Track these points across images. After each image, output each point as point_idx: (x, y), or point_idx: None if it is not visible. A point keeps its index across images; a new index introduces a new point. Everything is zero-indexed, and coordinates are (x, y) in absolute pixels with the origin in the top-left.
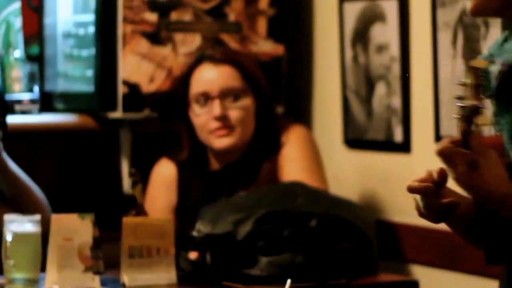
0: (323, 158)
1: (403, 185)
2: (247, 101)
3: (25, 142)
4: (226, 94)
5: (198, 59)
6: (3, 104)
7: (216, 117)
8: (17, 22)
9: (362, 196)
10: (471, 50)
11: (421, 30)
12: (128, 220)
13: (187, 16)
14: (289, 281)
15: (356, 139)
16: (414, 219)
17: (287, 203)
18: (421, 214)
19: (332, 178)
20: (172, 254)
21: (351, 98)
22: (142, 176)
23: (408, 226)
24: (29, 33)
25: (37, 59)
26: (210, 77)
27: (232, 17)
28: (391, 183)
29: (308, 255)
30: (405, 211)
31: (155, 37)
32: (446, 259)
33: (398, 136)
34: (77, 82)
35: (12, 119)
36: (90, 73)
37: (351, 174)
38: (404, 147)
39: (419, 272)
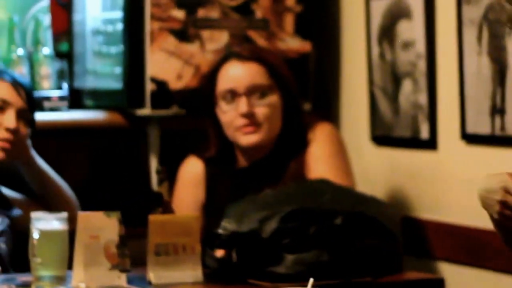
0: (351, 155)
1: (429, 182)
2: (273, 98)
3: (54, 139)
4: (253, 91)
5: (225, 56)
6: (31, 102)
7: (242, 114)
8: (46, 19)
9: (389, 193)
10: (496, 47)
11: (446, 27)
12: (154, 218)
13: (214, 13)
14: (311, 280)
15: (383, 136)
16: (440, 216)
17: (313, 200)
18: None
19: (359, 175)
20: (198, 251)
21: (378, 95)
22: (169, 174)
23: (435, 223)
24: (58, 30)
25: (66, 56)
26: (237, 74)
27: (259, 14)
28: (418, 180)
29: (334, 253)
30: (431, 208)
31: (183, 34)
32: (473, 256)
33: (424, 133)
34: (106, 79)
35: (41, 116)
36: (118, 70)
37: (379, 171)
38: (431, 144)
39: (446, 269)
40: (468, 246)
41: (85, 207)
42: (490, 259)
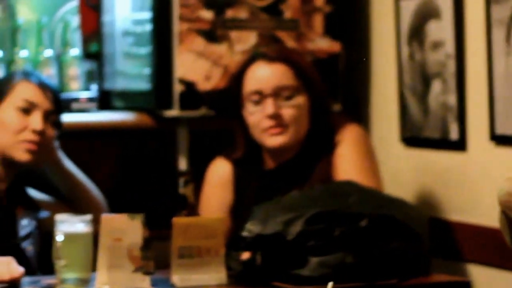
0: (380, 156)
1: (458, 183)
2: (300, 100)
3: (83, 141)
4: (280, 93)
5: (252, 57)
6: (58, 103)
7: (269, 116)
8: (74, 21)
9: (417, 194)
10: None
11: (475, 27)
12: (178, 220)
13: (243, 14)
14: (330, 283)
15: (412, 137)
16: (469, 217)
17: (338, 202)
18: None
19: (389, 176)
20: (222, 254)
21: (407, 95)
22: (196, 175)
23: (464, 224)
24: (88, 31)
25: (96, 57)
26: (264, 75)
27: (288, 14)
28: (447, 181)
29: (359, 255)
30: (460, 209)
31: (211, 35)
32: (501, 258)
33: (453, 134)
34: (135, 80)
35: (69, 118)
36: (147, 71)
37: (408, 172)
38: (460, 145)
39: (475, 272)
40: (497, 248)
41: (113, 209)
42: None
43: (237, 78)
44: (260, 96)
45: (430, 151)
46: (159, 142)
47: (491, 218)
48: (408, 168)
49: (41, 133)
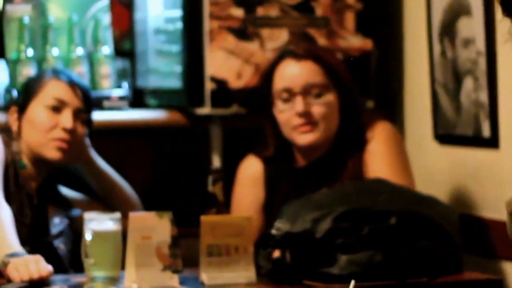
0: (414, 153)
1: (491, 180)
2: (330, 97)
3: (115, 139)
4: (309, 90)
5: (281, 55)
6: (88, 101)
7: (299, 114)
8: (105, 19)
9: (450, 191)
10: None
11: (506, 23)
12: (207, 219)
13: (273, 11)
14: (353, 282)
15: (446, 134)
16: (503, 214)
17: (368, 200)
18: None
19: (422, 173)
20: (251, 252)
21: (440, 92)
22: (229, 173)
23: (497, 222)
24: (120, 29)
25: (128, 55)
26: (293, 73)
27: (319, 11)
28: (480, 178)
29: (388, 253)
30: (493, 206)
31: (242, 32)
32: None
33: (486, 131)
34: (167, 78)
35: (101, 116)
36: (178, 69)
37: (441, 170)
38: (492, 142)
39: (508, 269)
40: None
41: (147, 207)
42: None
43: (266, 76)
44: (290, 94)
45: (463, 148)
46: (191, 140)
47: None
48: (441, 165)
49: (71, 131)
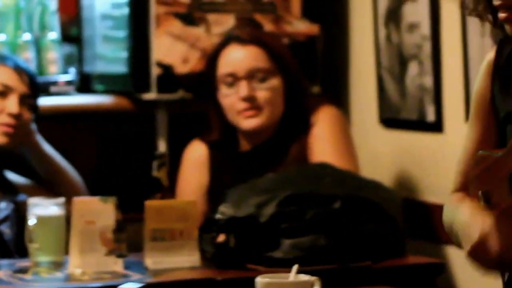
0: (359, 138)
1: (435, 165)
2: (275, 82)
3: (61, 124)
4: (253, 75)
5: (225, 40)
6: (35, 87)
7: (243, 98)
8: (52, 4)
9: (395, 175)
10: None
11: (451, 8)
12: (151, 203)
13: None
14: (296, 266)
15: (390, 119)
16: (446, 199)
17: (312, 184)
18: None
19: (367, 157)
20: (195, 237)
21: (385, 77)
22: (174, 158)
23: (440, 206)
24: (66, 14)
25: (75, 40)
26: (237, 57)
27: None
28: (424, 162)
29: (331, 237)
30: (437, 190)
31: (188, 17)
32: None
33: (430, 115)
34: (114, 64)
35: (47, 101)
36: (125, 54)
37: (386, 154)
38: (436, 126)
39: (451, 253)
40: None
41: (93, 192)
42: None
43: (211, 61)
44: (234, 79)
45: (408, 132)
46: (138, 125)
47: None
48: (386, 149)
49: (17, 116)
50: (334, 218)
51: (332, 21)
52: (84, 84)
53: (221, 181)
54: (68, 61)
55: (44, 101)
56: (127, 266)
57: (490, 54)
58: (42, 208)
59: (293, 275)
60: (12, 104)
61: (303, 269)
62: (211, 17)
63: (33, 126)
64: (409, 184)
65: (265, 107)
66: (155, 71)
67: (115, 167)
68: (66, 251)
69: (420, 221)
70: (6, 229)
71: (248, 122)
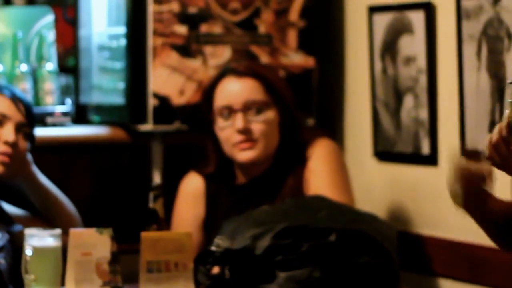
0: (353, 170)
1: (430, 198)
2: (270, 114)
3: (57, 155)
4: (249, 107)
5: (222, 72)
6: (31, 116)
7: (239, 130)
8: (50, 35)
9: (389, 208)
10: (494, 62)
11: (447, 42)
12: (147, 235)
13: (217, 29)
14: None
15: (385, 152)
16: (440, 231)
17: (307, 217)
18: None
19: (361, 190)
20: (191, 268)
21: (380, 110)
22: (170, 190)
23: (435, 238)
24: (64, 45)
25: (72, 71)
26: (233, 90)
27: (262, 29)
28: (419, 195)
29: (326, 270)
30: (432, 223)
31: (185, 49)
32: (471, 272)
33: (425, 148)
34: (110, 95)
35: (43, 132)
36: (121, 85)
37: (380, 187)
38: (431, 159)
39: (445, 286)
40: (467, 262)
41: (88, 223)
42: (489, 276)
43: (207, 93)
44: (230, 111)
45: (402, 165)
46: (133, 157)
47: (461, 232)
48: (380, 182)
49: (13, 145)
50: (329, 251)
51: (328, 53)
52: (80, 115)
53: (217, 213)
54: (64, 92)
55: (40, 132)
56: None
57: None
58: (39, 239)
59: None
60: (8, 132)
61: None
62: (208, 49)
63: (29, 157)
64: (403, 217)
65: (260, 139)
66: (151, 102)
67: (110, 198)
68: (62, 283)
69: (415, 253)
70: (1, 259)
71: (244, 155)
